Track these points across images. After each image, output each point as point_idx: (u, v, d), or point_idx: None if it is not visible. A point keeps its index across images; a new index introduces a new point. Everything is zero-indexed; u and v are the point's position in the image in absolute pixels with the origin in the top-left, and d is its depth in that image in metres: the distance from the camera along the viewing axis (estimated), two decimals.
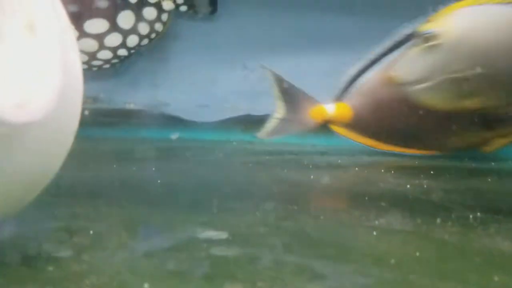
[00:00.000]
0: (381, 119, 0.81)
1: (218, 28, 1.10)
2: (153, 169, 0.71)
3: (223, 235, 0.45)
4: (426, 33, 0.68)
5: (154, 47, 1.04)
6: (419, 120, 0.77)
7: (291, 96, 0.82)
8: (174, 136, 0.90)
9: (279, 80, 0.83)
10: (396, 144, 0.84)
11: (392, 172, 0.77)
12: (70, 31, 0.33)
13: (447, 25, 0.68)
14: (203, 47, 1.10)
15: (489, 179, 0.75)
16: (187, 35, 1.10)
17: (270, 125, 0.82)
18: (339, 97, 0.84)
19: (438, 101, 0.71)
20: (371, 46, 1.08)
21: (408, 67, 0.70)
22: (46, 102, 0.27)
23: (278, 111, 0.82)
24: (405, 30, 0.77)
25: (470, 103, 0.72)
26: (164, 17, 1.00)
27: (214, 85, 1.09)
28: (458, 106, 0.73)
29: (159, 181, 0.64)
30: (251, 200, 0.57)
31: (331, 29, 1.06)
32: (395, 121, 0.79)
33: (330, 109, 0.83)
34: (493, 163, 0.84)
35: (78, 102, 0.35)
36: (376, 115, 0.81)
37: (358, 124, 0.82)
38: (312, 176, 0.71)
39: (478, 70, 0.67)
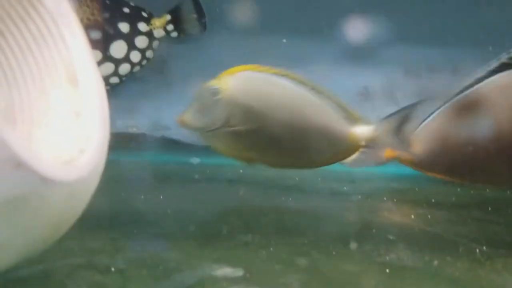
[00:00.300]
0: (451, 154, 0.83)
1: (218, 52, 1.12)
2: (161, 197, 0.72)
3: (239, 272, 0.46)
4: (210, 89, 0.76)
5: (156, 72, 1.06)
6: (491, 155, 0.80)
7: None
8: (195, 161, 0.91)
9: None
10: (465, 178, 0.86)
11: (395, 200, 0.78)
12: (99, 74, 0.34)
13: (227, 84, 0.76)
14: (204, 71, 1.12)
15: (489, 208, 0.77)
16: (188, 60, 1.11)
17: (354, 156, 0.83)
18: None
19: (223, 149, 0.79)
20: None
21: (196, 115, 0.77)
22: (91, 158, 0.28)
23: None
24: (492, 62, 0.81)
25: (250, 156, 0.78)
26: (155, 44, 1.02)
27: None
28: (242, 157, 0.80)
29: (168, 211, 0.65)
30: (261, 233, 0.58)
31: (331, 53, 1.09)
32: (467, 156, 0.82)
33: None
34: (487, 190, 0.86)
35: (107, 144, 0.36)
36: (446, 151, 0.83)
37: (426, 159, 0.84)
38: (317, 205, 0.72)
39: (249, 127, 0.75)
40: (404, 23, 1.09)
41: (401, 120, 0.74)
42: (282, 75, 0.77)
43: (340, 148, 0.75)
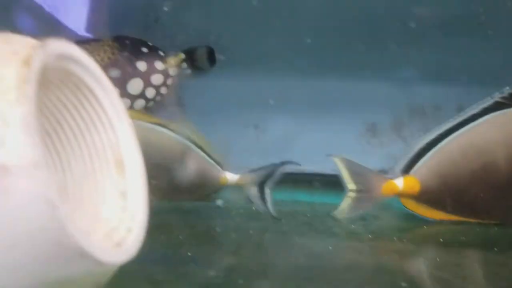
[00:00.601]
0: (452, 190, 0.86)
1: (230, 88, 1.15)
2: (180, 237, 0.75)
3: None
4: None
5: (172, 109, 1.09)
6: (494, 190, 0.84)
7: (361, 176, 0.88)
8: (219, 202, 0.95)
9: (348, 164, 0.88)
10: (467, 214, 0.89)
11: (405, 240, 0.81)
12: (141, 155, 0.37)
13: None
14: (217, 107, 1.15)
15: (495, 249, 0.79)
16: (201, 95, 1.15)
17: (344, 204, 0.87)
18: (406, 170, 0.89)
19: None
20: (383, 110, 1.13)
21: None
22: (137, 236, 0.31)
23: (350, 191, 0.88)
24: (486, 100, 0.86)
25: None
26: (169, 81, 1.07)
27: (227, 145, 1.13)
28: None
29: (189, 253, 0.68)
30: (278, 279, 0.61)
31: (350, 93, 1.12)
32: (469, 192, 0.86)
33: (399, 183, 0.87)
34: (496, 228, 0.89)
35: None
36: (447, 187, 0.86)
37: (425, 197, 0.87)
38: (330, 247, 0.75)
39: None
40: (410, 61, 1.12)
41: (264, 176, 0.86)
42: (162, 125, 0.89)
43: (211, 188, 0.90)
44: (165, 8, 1.06)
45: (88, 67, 0.32)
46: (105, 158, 0.33)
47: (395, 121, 1.17)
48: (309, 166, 1.11)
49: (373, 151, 1.18)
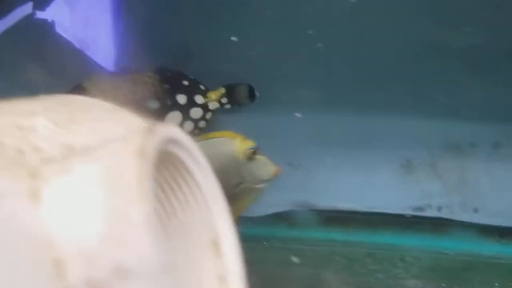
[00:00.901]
0: None
1: (264, 125, 1.14)
2: None
3: None
4: None
5: None
6: None
7: None
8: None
9: None
10: None
11: (454, 286, 0.79)
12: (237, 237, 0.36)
13: None
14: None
15: None
16: (235, 131, 1.14)
17: None
18: None
19: None
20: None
21: None
22: None
23: None
24: None
25: None
26: (208, 115, 1.06)
27: None
28: None
29: None
30: None
31: (385, 130, 1.11)
32: None
33: None
34: None
35: None
36: None
37: None
38: None
39: None
40: (446, 97, 1.11)
41: None
42: None
43: None
44: (233, 38, 1.04)
45: (187, 147, 0.30)
46: (200, 239, 0.32)
47: (431, 158, 1.16)
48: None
49: (408, 188, 1.16)
